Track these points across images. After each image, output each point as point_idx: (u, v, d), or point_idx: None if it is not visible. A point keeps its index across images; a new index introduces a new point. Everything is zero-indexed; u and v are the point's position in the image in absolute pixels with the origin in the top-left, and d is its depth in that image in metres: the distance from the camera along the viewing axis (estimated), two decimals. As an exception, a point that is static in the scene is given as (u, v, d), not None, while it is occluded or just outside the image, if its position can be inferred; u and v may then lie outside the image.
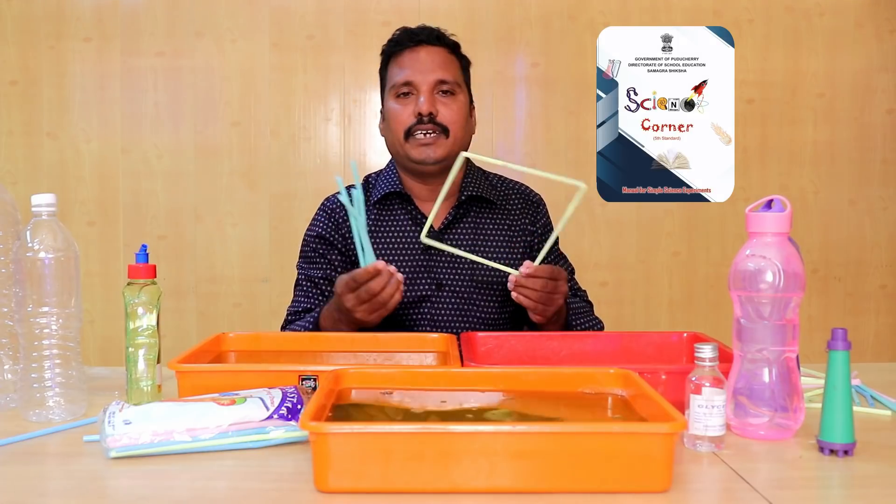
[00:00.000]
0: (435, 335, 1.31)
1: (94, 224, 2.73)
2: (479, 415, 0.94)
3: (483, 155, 1.32)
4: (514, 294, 1.32)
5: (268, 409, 0.94)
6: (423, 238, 1.33)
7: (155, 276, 1.13)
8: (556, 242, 1.60)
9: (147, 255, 1.13)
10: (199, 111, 2.73)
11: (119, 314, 1.42)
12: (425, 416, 0.93)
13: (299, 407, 0.96)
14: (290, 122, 2.74)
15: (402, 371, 1.04)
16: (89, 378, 1.22)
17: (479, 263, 1.50)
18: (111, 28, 2.70)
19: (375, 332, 1.33)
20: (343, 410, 0.93)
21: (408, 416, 0.93)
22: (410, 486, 0.79)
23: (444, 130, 1.48)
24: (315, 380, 1.06)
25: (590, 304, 1.61)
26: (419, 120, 1.47)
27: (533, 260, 1.32)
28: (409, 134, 1.48)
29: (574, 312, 1.51)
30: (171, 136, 2.73)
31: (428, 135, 1.47)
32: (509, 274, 1.32)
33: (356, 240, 1.32)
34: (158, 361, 1.12)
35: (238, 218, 2.74)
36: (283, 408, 0.95)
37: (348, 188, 1.35)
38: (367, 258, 1.31)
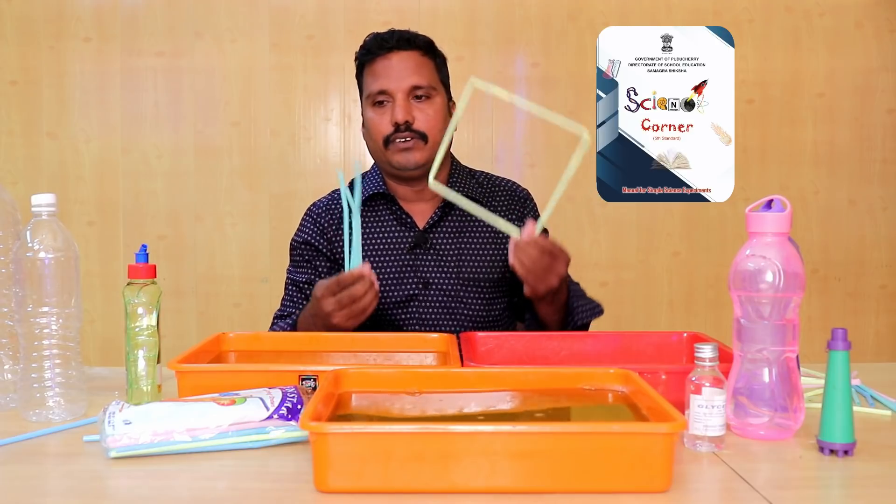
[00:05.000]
0: (435, 335, 1.31)
1: (94, 224, 2.73)
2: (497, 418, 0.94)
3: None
4: (511, 258, 1.29)
5: (268, 409, 0.94)
6: (431, 183, 1.31)
7: (155, 276, 1.13)
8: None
9: (147, 255, 1.13)
10: (199, 111, 2.73)
11: (119, 314, 1.42)
12: (426, 417, 0.93)
13: (299, 407, 0.96)
14: (290, 122, 2.74)
15: (403, 371, 1.04)
16: (89, 378, 1.22)
17: (464, 262, 1.50)
18: (111, 28, 2.70)
19: (375, 333, 1.33)
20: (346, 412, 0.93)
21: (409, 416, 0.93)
22: (410, 486, 0.79)
23: (423, 136, 1.48)
24: (315, 380, 1.06)
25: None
26: (396, 129, 1.47)
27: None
28: (388, 142, 1.48)
29: (574, 295, 1.50)
30: (171, 136, 2.73)
31: (406, 141, 1.47)
32: (505, 260, 1.28)
33: (346, 241, 1.31)
34: (158, 361, 1.12)
35: (238, 218, 2.74)
36: (283, 408, 0.95)
37: (350, 185, 1.33)
38: (354, 262, 1.32)
